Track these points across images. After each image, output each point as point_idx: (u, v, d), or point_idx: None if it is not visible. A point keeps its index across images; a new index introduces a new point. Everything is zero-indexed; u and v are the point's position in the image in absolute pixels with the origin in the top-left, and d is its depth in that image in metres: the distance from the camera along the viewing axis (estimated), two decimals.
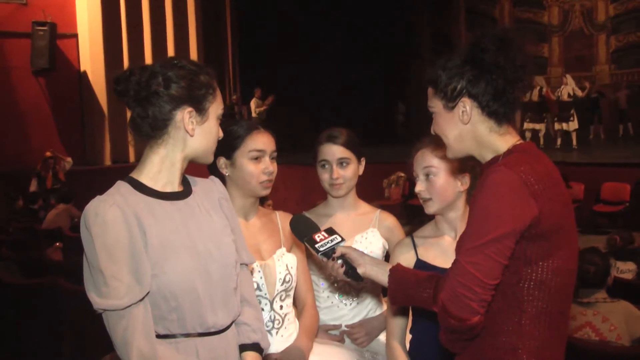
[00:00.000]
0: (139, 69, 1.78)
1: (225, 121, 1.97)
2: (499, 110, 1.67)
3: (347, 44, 17.17)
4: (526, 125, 14.21)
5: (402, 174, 11.52)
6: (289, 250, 2.43)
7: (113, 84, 1.80)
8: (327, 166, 2.59)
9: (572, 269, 1.68)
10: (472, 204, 1.65)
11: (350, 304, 2.64)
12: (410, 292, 1.76)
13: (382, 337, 2.59)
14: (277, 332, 2.35)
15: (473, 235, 1.57)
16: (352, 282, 2.10)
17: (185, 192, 1.86)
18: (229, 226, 1.93)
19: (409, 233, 2.42)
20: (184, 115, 1.76)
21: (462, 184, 2.22)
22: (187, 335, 1.77)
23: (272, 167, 2.32)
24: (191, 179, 1.93)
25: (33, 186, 10.84)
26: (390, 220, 2.68)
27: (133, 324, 1.65)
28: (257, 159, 2.29)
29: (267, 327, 2.30)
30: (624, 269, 5.04)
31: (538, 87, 13.93)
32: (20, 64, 12.60)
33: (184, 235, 1.78)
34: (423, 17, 19.06)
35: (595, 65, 19.38)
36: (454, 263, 1.60)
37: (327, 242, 1.96)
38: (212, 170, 2.28)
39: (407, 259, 2.26)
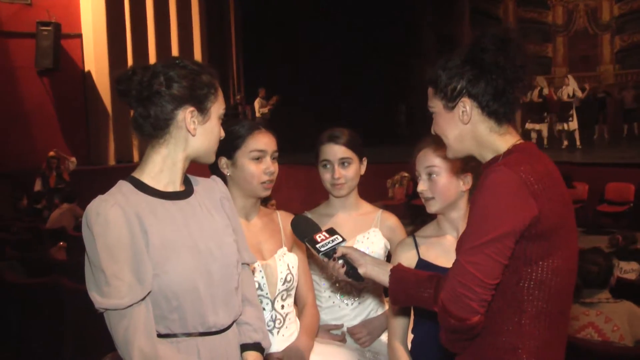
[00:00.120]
0: (141, 69, 1.78)
1: (227, 121, 1.97)
2: (499, 110, 1.67)
3: (350, 44, 17.19)
4: (528, 126, 14.21)
5: (406, 174, 11.52)
6: (290, 250, 2.43)
7: (115, 83, 1.81)
8: (328, 166, 2.59)
9: (572, 269, 1.68)
10: (472, 203, 1.65)
11: (352, 304, 2.64)
12: (410, 292, 1.76)
13: (384, 337, 2.59)
14: (278, 332, 2.35)
15: (473, 235, 1.57)
16: (353, 282, 2.10)
17: (186, 191, 1.87)
18: (231, 226, 1.94)
19: (412, 233, 2.42)
20: (186, 115, 1.76)
21: (464, 183, 2.22)
22: (188, 334, 1.77)
23: (273, 168, 2.32)
24: (193, 178, 1.93)
25: (37, 186, 10.87)
26: (392, 220, 2.68)
27: (134, 323, 1.65)
28: (258, 159, 2.29)
29: (268, 326, 2.30)
30: (627, 269, 5.03)
31: (538, 88, 13.94)
32: (25, 64, 12.64)
33: (185, 235, 1.78)
34: (426, 17, 19.04)
35: (600, 65, 19.35)
36: (454, 263, 1.60)
37: (328, 243, 1.96)
38: (213, 170, 2.28)
39: (408, 259, 2.26)
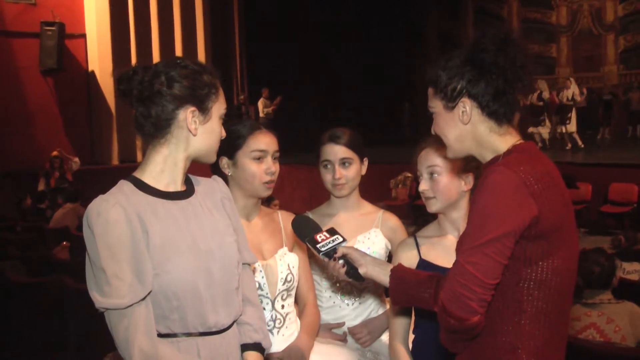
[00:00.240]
0: (142, 69, 1.78)
1: (228, 121, 1.97)
2: (499, 110, 1.67)
3: (354, 44, 17.19)
4: (531, 129, 14.20)
5: (409, 174, 11.51)
6: (290, 250, 2.43)
7: (116, 83, 1.81)
8: (329, 166, 2.59)
9: (572, 269, 1.68)
10: (472, 203, 1.65)
11: (353, 304, 2.64)
12: (411, 292, 1.76)
13: (384, 337, 2.59)
14: (278, 332, 2.35)
15: (473, 235, 1.57)
16: (353, 283, 2.10)
17: (187, 191, 1.87)
18: (232, 226, 1.94)
19: (414, 233, 2.42)
20: (187, 115, 1.76)
21: (465, 183, 2.22)
22: (189, 334, 1.77)
23: (274, 168, 2.32)
24: (194, 178, 1.93)
25: (41, 185, 10.89)
26: (393, 220, 2.68)
27: (135, 323, 1.65)
28: (259, 159, 2.30)
29: (269, 326, 2.30)
30: (630, 270, 5.01)
31: (538, 91, 13.94)
32: (29, 64, 12.66)
33: (186, 235, 1.78)
34: (430, 17, 19.04)
35: (604, 66, 19.33)
36: (454, 263, 1.60)
37: (329, 243, 1.97)
38: (214, 169, 2.28)
39: (410, 259, 2.26)
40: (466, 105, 1.68)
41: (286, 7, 16.54)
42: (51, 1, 12.94)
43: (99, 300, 1.65)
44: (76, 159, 11.52)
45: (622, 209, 9.84)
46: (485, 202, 1.57)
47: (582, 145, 14.04)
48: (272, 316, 2.34)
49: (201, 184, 1.94)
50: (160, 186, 1.80)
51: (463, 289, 1.54)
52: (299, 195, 11.50)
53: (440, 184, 2.20)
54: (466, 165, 2.18)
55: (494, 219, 1.55)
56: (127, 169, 1.87)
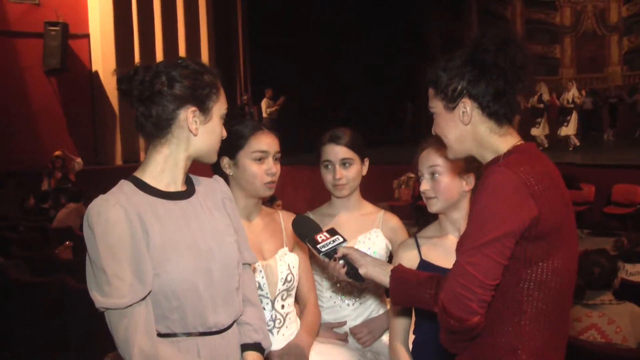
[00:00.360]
0: (143, 69, 1.78)
1: (230, 121, 1.97)
2: (499, 111, 1.67)
3: (356, 44, 17.18)
4: (533, 132, 14.20)
5: (412, 175, 11.48)
6: (291, 250, 2.43)
7: (117, 83, 1.81)
8: (330, 167, 2.59)
9: (572, 269, 1.68)
10: (473, 204, 1.65)
11: (353, 304, 2.64)
12: (411, 292, 1.76)
13: (385, 337, 2.59)
14: (278, 332, 2.35)
15: (473, 236, 1.57)
16: (354, 283, 2.10)
17: (188, 191, 1.87)
18: (232, 226, 1.94)
19: (415, 234, 2.42)
20: (188, 115, 1.76)
21: (467, 183, 2.22)
22: (189, 334, 1.78)
23: (276, 168, 2.32)
24: (195, 178, 1.93)
25: (44, 185, 10.90)
26: (394, 221, 2.68)
27: (135, 323, 1.65)
28: (260, 159, 2.30)
29: (269, 326, 2.30)
30: (632, 272, 5.00)
31: (538, 94, 13.95)
32: (33, 64, 12.69)
33: (186, 235, 1.78)
34: (433, 18, 19.02)
35: (608, 67, 19.31)
36: (454, 263, 1.60)
37: (329, 243, 1.97)
38: (215, 169, 2.28)
39: (410, 259, 2.25)
40: (466, 106, 1.68)
41: (289, 8, 16.54)
42: (55, 1, 12.96)
43: (99, 300, 1.65)
44: (79, 159, 11.52)
45: (625, 210, 9.81)
46: (486, 203, 1.57)
47: (578, 144, 14.05)
48: (272, 316, 2.34)
49: (202, 183, 1.94)
50: (161, 186, 1.80)
51: (463, 289, 1.54)
52: (301, 196, 11.49)
53: (442, 184, 2.20)
54: (467, 165, 2.18)
55: (494, 220, 1.55)
56: (130, 169, 1.87)
